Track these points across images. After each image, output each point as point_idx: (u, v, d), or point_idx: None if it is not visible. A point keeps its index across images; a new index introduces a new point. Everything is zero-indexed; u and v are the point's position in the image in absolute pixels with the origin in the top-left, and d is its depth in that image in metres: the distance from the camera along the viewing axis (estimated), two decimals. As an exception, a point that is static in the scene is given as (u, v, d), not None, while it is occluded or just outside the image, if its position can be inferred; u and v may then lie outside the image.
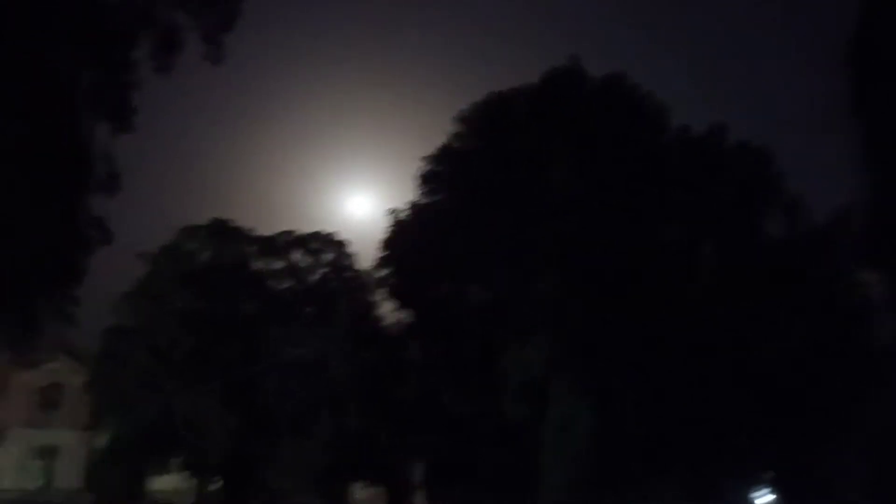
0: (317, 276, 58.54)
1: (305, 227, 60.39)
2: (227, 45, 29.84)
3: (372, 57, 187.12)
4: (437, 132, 34.31)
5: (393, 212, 35.33)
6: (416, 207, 34.52)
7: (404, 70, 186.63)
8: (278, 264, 58.31)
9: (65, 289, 27.06)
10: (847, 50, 19.76)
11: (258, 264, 57.85)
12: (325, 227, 60.54)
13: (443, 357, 31.67)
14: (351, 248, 60.30)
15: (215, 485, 63.26)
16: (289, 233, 58.89)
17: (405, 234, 33.77)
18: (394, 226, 35.16)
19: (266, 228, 59.41)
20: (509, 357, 26.96)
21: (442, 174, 33.11)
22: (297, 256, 58.84)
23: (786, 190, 31.39)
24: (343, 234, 60.47)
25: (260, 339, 49.29)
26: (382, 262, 34.80)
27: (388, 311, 40.74)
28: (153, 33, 29.53)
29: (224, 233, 57.22)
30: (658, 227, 29.60)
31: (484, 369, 28.82)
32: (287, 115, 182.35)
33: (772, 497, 34.54)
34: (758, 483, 33.65)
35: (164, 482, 67.23)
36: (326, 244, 59.59)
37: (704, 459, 27.91)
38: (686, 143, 31.00)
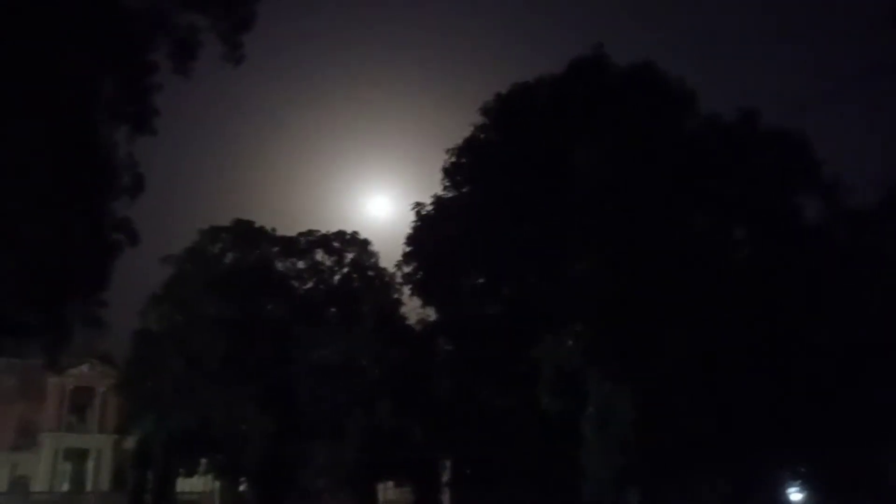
0: (340, 275, 58.17)
1: (327, 228, 59.87)
2: (245, 47, 29.46)
3: (393, 58, 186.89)
4: (457, 133, 33.69)
5: (417, 206, 34.26)
6: (440, 201, 33.42)
7: (425, 69, 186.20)
8: (301, 264, 57.93)
9: (93, 292, 26.66)
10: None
11: (282, 265, 57.49)
12: (347, 228, 60.06)
13: (474, 352, 30.75)
14: (373, 248, 60.11)
15: (243, 486, 63.42)
16: (311, 233, 58.33)
17: (430, 229, 32.75)
18: (418, 220, 34.05)
19: (287, 229, 58.94)
20: (543, 348, 26.00)
21: (466, 166, 31.82)
22: (320, 256, 58.48)
23: (822, 174, 30.14)
24: (364, 235, 60.52)
25: (289, 341, 48.79)
26: (408, 258, 33.80)
27: (415, 307, 39.75)
28: (171, 36, 29.18)
29: (247, 234, 56.76)
30: (691, 215, 28.56)
31: (518, 362, 27.92)
32: (308, 116, 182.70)
33: (803, 493, 33.65)
34: (793, 478, 32.74)
35: (192, 484, 67.43)
36: (349, 244, 59.03)
37: (744, 453, 26.92)
38: (717, 129, 29.98)
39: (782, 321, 27.39)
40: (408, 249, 33.71)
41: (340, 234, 58.89)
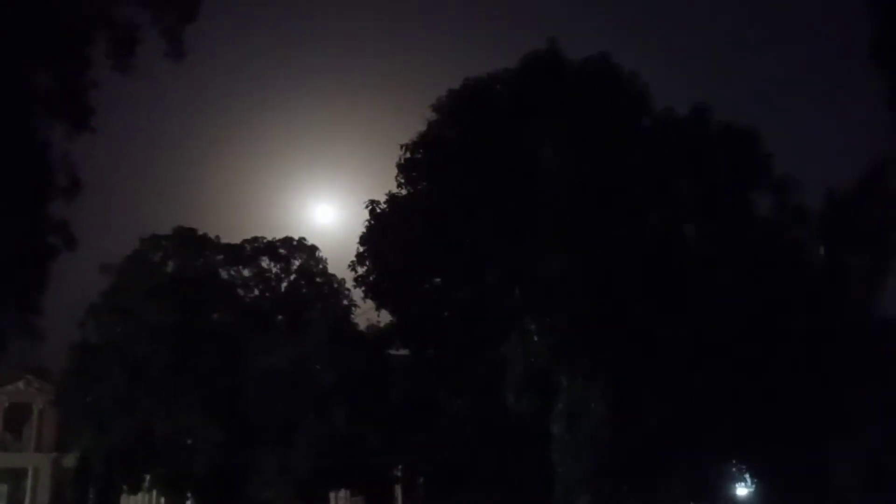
0: (287, 282, 56.55)
1: (272, 235, 58.09)
2: (186, 44, 28.11)
3: (337, 63, 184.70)
4: (402, 138, 32.23)
5: (371, 204, 32.63)
6: (395, 199, 31.99)
7: (369, 75, 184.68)
8: (247, 272, 56.11)
9: (28, 299, 24.77)
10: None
11: (226, 273, 55.57)
12: (292, 235, 58.37)
13: (430, 355, 29.61)
14: (320, 254, 58.57)
15: (189, 501, 61.05)
16: (256, 240, 56.47)
17: (385, 228, 31.34)
18: (372, 219, 32.50)
19: (232, 237, 57.09)
20: (510, 347, 24.99)
21: (421, 163, 30.46)
22: (266, 263, 56.74)
23: (774, 170, 30.12)
24: (310, 242, 58.92)
25: (235, 349, 47.00)
26: (361, 259, 32.25)
27: (367, 310, 38.14)
28: (110, 30, 27.66)
29: (190, 242, 54.65)
30: (646, 211, 28.10)
31: (476, 364, 26.91)
32: (250, 121, 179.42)
33: (750, 490, 33.43)
34: (741, 474, 32.49)
35: (136, 501, 64.75)
36: (296, 250, 57.43)
37: (699, 450, 26.53)
38: (670, 124, 29.62)
39: (735, 316, 27.15)
40: (361, 249, 32.15)
41: (287, 241, 57.19)
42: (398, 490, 42.13)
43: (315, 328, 42.42)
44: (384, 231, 30.85)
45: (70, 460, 58.75)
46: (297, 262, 57.03)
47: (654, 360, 24.27)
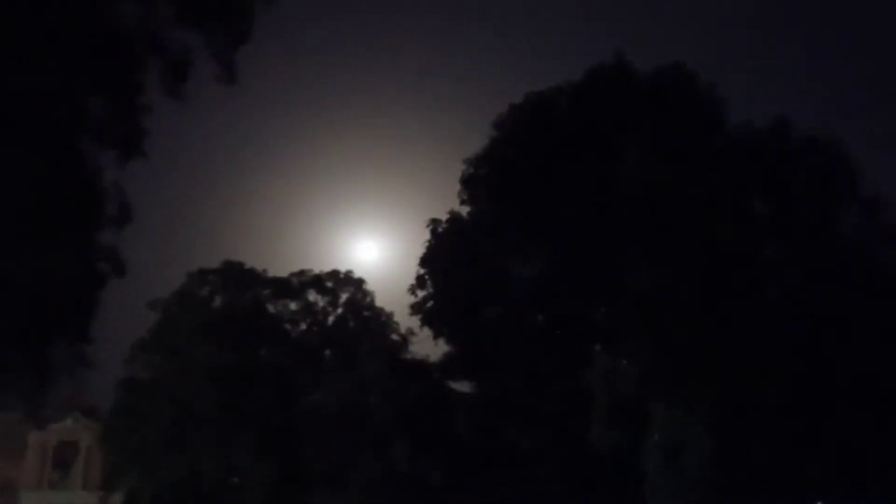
0: (335, 316, 54.82)
1: (316, 270, 56.68)
2: (238, 67, 26.87)
3: (384, 97, 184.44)
4: (448, 178, 29.91)
5: (433, 223, 30.35)
6: (456, 219, 29.78)
7: (417, 112, 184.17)
8: (294, 306, 54.51)
9: (78, 327, 23.22)
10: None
11: (273, 307, 54.02)
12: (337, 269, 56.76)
13: (497, 388, 27.12)
14: (367, 286, 56.81)
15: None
16: (303, 273, 54.85)
17: (447, 249, 29.06)
18: (433, 239, 30.17)
19: (275, 271, 55.65)
20: (594, 374, 22.39)
21: (485, 178, 28.16)
22: (313, 297, 55.13)
23: (862, 186, 27.43)
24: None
25: (285, 387, 45.19)
26: (421, 282, 29.90)
27: (422, 339, 35.38)
28: (163, 55, 26.53)
29: (237, 276, 53.25)
30: (725, 230, 25.60)
31: (553, 395, 24.44)
32: (296, 155, 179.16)
33: None
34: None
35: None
36: (343, 283, 55.82)
37: (802, 483, 23.51)
38: (749, 137, 27.30)
39: (828, 345, 24.49)
40: (421, 272, 29.85)
41: (334, 274, 55.51)
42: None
43: (369, 361, 40.21)
44: (447, 252, 28.56)
45: (117, 499, 56.93)
46: (344, 296, 55.41)
47: (765, 386, 21.56)
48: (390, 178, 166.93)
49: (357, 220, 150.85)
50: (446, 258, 28.21)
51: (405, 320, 33.36)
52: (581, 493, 23.49)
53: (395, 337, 53.06)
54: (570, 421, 23.54)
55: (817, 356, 22.68)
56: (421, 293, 29.25)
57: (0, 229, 23.32)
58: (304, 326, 54.27)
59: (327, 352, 53.35)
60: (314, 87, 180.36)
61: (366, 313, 54.82)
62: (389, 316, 55.10)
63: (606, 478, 22.71)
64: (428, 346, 29.80)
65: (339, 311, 54.76)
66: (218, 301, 52.60)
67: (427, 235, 29.11)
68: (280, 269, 55.46)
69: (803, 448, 21.99)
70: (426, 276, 29.02)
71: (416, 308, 29.82)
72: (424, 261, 29.15)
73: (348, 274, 55.80)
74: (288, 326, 53.60)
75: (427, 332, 31.70)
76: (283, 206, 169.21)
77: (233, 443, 42.00)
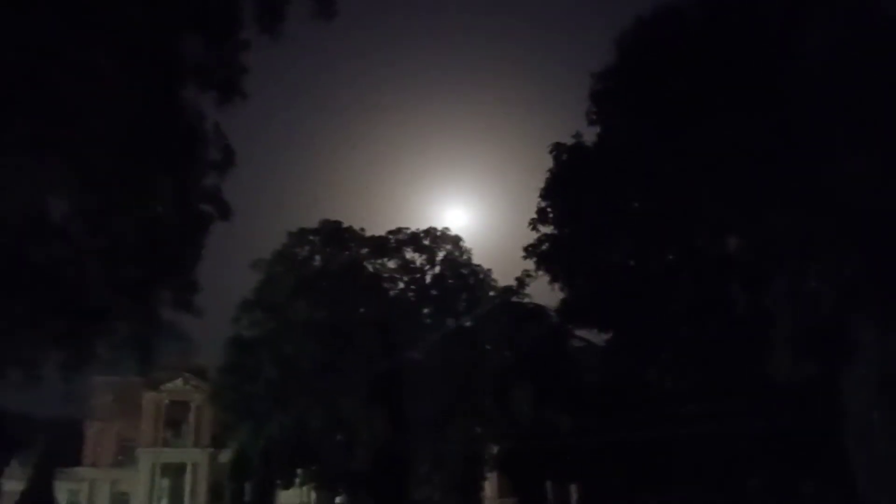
0: (432, 274, 52.78)
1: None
2: (338, 15, 24.47)
3: (481, 68, 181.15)
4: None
5: (557, 149, 26.31)
6: (580, 146, 25.51)
7: (511, 80, 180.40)
8: (392, 264, 52.73)
9: (183, 270, 21.55)
10: None
11: (371, 266, 52.35)
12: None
13: (632, 329, 23.85)
14: (464, 244, 54.50)
15: (339, 497, 58.16)
16: (400, 231, 52.94)
17: (573, 178, 25.19)
18: (557, 168, 26.21)
19: (370, 232, 53.91)
20: (777, 297, 18.61)
21: (619, 92, 22.89)
22: (410, 255, 53.18)
23: None
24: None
25: (386, 342, 43.44)
26: (542, 215, 26.08)
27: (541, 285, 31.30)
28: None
29: (335, 235, 51.74)
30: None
31: (700, 332, 21.09)
32: (391, 120, 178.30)
33: None
34: None
35: (287, 496, 62.49)
36: (440, 240, 53.67)
37: None
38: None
39: None
40: (543, 205, 26.28)
41: (431, 231, 53.30)
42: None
43: (486, 306, 37.46)
44: (571, 181, 24.92)
45: (226, 456, 56.95)
46: (441, 254, 53.30)
47: None
48: (482, 147, 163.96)
49: (448, 188, 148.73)
50: (571, 188, 24.61)
51: (517, 266, 30.08)
52: (753, 432, 19.93)
53: (492, 294, 50.86)
54: (723, 357, 20.27)
55: None
56: (543, 228, 25.80)
57: (102, 175, 21.84)
58: (401, 285, 52.49)
59: (425, 309, 51.54)
60: (413, 53, 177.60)
61: (463, 270, 52.62)
62: (487, 273, 52.93)
63: (787, 416, 19.06)
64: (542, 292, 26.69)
65: (437, 268, 52.76)
66: (317, 260, 51.18)
67: (550, 163, 25.53)
68: (374, 229, 53.66)
69: None
70: (548, 210, 25.56)
71: (530, 251, 26.50)
72: (546, 192, 25.57)
73: (445, 231, 53.68)
74: (386, 285, 51.90)
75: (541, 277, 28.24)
76: (379, 167, 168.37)
77: (339, 397, 40.39)
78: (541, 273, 26.87)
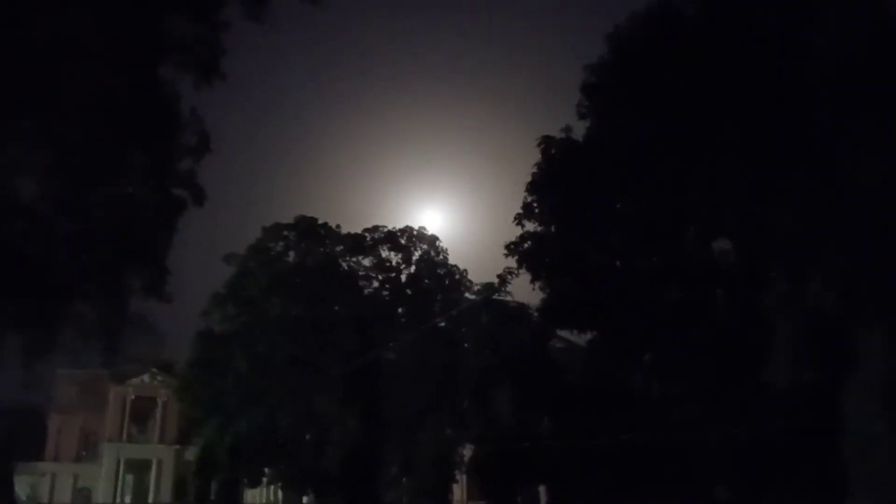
0: (408, 273, 51.89)
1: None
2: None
3: (458, 68, 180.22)
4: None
5: (545, 142, 24.53)
6: (570, 140, 24.47)
7: (490, 90, 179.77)
8: (367, 262, 51.73)
9: (154, 254, 20.55)
10: None
11: (347, 264, 51.32)
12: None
13: (617, 330, 23.03)
14: (440, 244, 53.70)
15: (307, 498, 56.94)
16: (376, 229, 51.97)
17: (561, 173, 24.11)
18: (545, 162, 25.11)
19: (345, 230, 52.89)
20: (775, 299, 17.79)
21: (610, 86, 22.37)
22: (386, 253, 52.22)
23: None
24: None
25: (362, 340, 42.50)
26: (528, 210, 24.82)
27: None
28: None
29: (311, 231, 50.69)
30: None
31: (680, 340, 20.40)
32: (368, 120, 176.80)
33: None
34: None
35: (253, 495, 61.07)
36: (416, 239, 52.85)
37: None
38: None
39: None
40: (529, 199, 25.13)
41: (407, 230, 52.41)
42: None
43: (463, 305, 36.65)
44: (559, 176, 23.91)
45: (192, 453, 55.50)
46: (417, 253, 52.46)
47: None
48: (460, 150, 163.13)
49: (423, 189, 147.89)
50: (559, 183, 23.71)
51: (491, 269, 28.91)
52: (744, 438, 19.04)
53: (468, 296, 50.14)
54: (712, 362, 19.55)
55: None
56: (528, 224, 24.82)
57: (74, 148, 20.85)
58: (377, 283, 51.55)
59: (401, 308, 50.67)
60: (392, 47, 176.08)
61: (440, 270, 51.85)
62: (464, 273, 52.16)
63: (777, 424, 18.21)
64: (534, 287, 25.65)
65: (413, 268, 51.90)
66: (292, 256, 50.11)
67: (537, 157, 24.57)
68: (350, 227, 52.67)
69: None
70: (534, 204, 24.63)
71: (512, 249, 25.55)
72: (533, 186, 24.60)
73: (421, 230, 52.88)
74: (362, 283, 50.92)
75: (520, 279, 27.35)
76: (355, 165, 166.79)
77: (312, 395, 39.36)
78: (522, 271, 26.11)
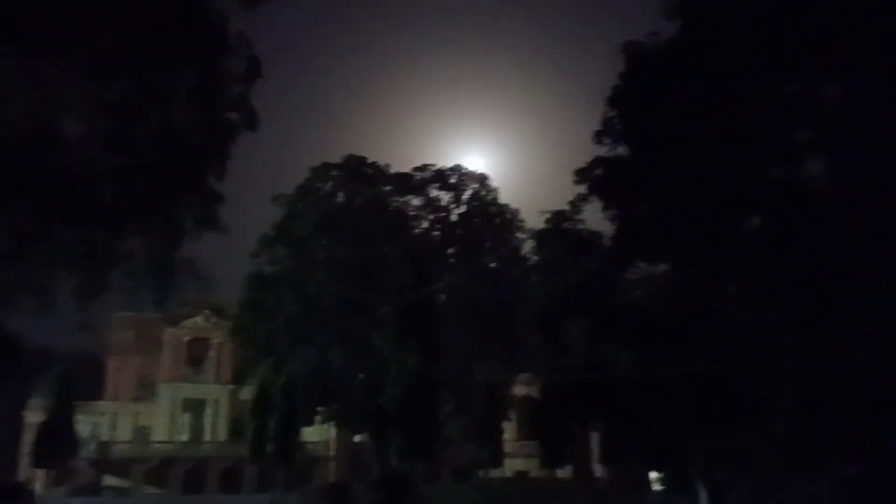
0: (458, 213, 50.16)
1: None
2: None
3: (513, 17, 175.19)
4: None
5: (629, 46, 21.94)
6: (656, 46, 21.09)
7: (541, 30, 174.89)
8: (417, 202, 50.07)
9: (206, 181, 19.17)
10: None
11: (396, 203, 49.67)
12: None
13: (698, 264, 20.85)
14: (491, 182, 51.66)
15: (359, 437, 56.61)
16: (425, 168, 50.13)
17: (645, 85, 21.29)
18: (632, 65, 21.78)
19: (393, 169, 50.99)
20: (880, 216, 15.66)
21: None
22: (436, 193, 50.42)
23: None
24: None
25: (410, 281, 41.13)
26: (609, 125, 22.19)
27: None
28: None
29: (359, 171, 48.99)
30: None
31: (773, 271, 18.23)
32: (417, 60, 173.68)
33: None
34: None
35: (309, 433, 61.03)
36: (466, 178, 50.95)
37: None
38: None
39: None
40: (611, 114, 22.61)
41: (457, 169, 50.60)
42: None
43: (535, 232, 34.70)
44: (647, 86, 21.21)
45: (247, 393, 55.37)
46: (467, 193, 50.62)
47: None
48: (504, 94, 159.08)
49: (467, 134, 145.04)
50: (644, 95, 21.12)
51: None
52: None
53: (521, 235, 48.34)
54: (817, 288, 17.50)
55: None
56: (607, 141, 22.55)
57: (120, 81, 19.38)
58: (426, 223, 49.96)
59: (451, 249, 49.17)
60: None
61: (491, 209, 50.07)
62: (515, 213, 50.28)
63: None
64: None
65: (463, 207, 50.15)
66: (340, 196, 48.53)
67: (621, 66, 21.92)
68: (397, 167, 50.60)
69: None
70: (615, 120, 22.26)
71: (582, 175, 23.35)
72: (616, 100, 22.08)
73: (472, 170, 50.97)
74: (411, 223, 49.35)
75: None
76: (400, 105, 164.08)
77: (364, 333, 38.32)
78: (593, 199, 24.09)
